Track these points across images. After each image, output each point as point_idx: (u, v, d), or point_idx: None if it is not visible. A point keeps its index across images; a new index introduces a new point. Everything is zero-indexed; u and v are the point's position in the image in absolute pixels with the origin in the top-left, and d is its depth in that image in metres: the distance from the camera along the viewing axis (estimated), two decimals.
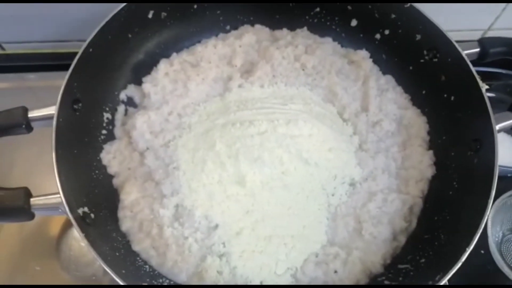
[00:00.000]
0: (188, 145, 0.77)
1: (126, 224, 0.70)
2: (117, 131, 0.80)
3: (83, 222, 0.62)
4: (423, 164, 0.79)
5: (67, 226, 0.82)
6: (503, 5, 1.03)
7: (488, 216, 0.81)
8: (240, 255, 0.68)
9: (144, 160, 0.75)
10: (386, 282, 0.69)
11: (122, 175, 0.75)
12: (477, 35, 1.07)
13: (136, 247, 0.69)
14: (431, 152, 0.80)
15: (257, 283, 0.67)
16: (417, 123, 0.83)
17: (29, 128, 0.66)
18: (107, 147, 0.77)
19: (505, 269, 0.81)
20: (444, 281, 0.60)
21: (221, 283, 0.66)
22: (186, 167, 0.74)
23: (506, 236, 0.90)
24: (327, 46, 0.89)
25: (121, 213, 0.71)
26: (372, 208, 0.73)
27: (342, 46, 0.91)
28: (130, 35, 0.82)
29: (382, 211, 0.74)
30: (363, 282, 0.69)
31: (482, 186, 0.67)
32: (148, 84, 0.83)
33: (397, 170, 0.79)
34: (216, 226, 0.70)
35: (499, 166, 0.88)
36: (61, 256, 0.80)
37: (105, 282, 0.78)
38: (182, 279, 0.67)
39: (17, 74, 0.99)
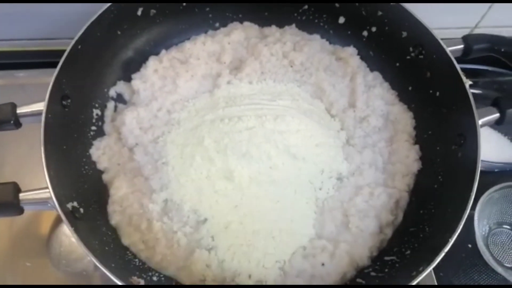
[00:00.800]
0: (177, 140, 0.77)
1: (116, 218, 0.71)
2: (107, 127, 0.81)
3: (72, 217, 0.62)
4: (409, 158, 0.80)
5: (57, 222, 0.82)
6: (489, 3, 1.05)
7: (476, 210, 0.84)
8: (228, 249, 0.69)
9: (133, 156, 0.76)
10: (373, 274, 0.70)
11: (112, 170, 0.76)
12: (464, 33, 1.08)
13: (125, 241, 0.69)
14: (417, 146, 0.81)
15: (245, 276, 0.68)
16: (404, 118, 0.84)
17: (18, 124, 0.67)
18: (96, 143, 0.78)
19: (491, 262, 0.83)
20: (427, 271, 0.61)
21: (210, 276, 0.67)
22: (175, 162, 0.75)
23: (493, 230, 0.92)
24: (315, 43, 0.89)
25: (110, 208, 0.72)
26: (359, 202, 0.75)
27: (330, 43, 0.92)
28: (119, 32, 0.82)
29: (368, 204, 0.75)
30: (350, 274, 0.70)
31: (466, 179, 0.68)
32: (137, 80, 0.83)
33: (384, 165, 0.80)
34: (205, 220, 0.71)
35: (486, 161, 0.91)
36: (52, 252, 0.80)
37: (96, 277, 0.78)
38: (171, 272, 0.68)
39: (5, 71, 0.99)
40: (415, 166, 0.80)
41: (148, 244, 0.68)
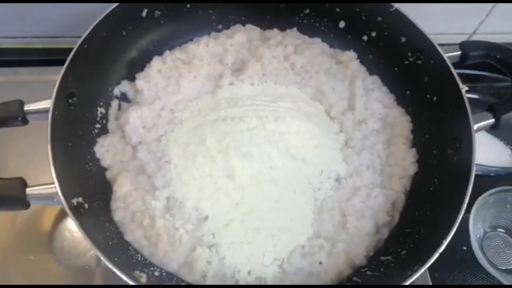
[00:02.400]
0: (179, 139, 0.79)
1: (119, 214, 0.72)
2: (111, 125, 0.82)
3: (77, 212, 0.63)
4: (406, 161, 0.82)
5: (60, 217, 0.84)
6: (486, 10, 1.07)
7: (471, 213, 0.85)
8: (228, 246, 0.70)
9: (136, 154, 0.77)
10: (369, 273, 0.71)
11: (115, 168, 0.77)
12: (462, 39, 1.10)
13: (128, 237, 0.70)
14: (414, 150, 0.83)
15: (245, 273, 0.69)
16: (401, 122, 0.85)
17: (25, 121, 0.68)
18: (100, 140, 0.79)
19: (485, 264, 0.84)
20: (422, 271, 0.62)
21: (210, 272, 0.68)
22: (177, 161, 0.76)
23: (488, 233, 0.93)
24: (316, 47, 0.91)
25: (113, 204, 0.73)
26: (356, 203, 0.76)
27: (330, 46, 0.93)
28: (124, 32, 0.84)
29: (366, 205, 0.76)
30: (346, 273, 0.72)
31: (460, 183, 0.70)
32: (141, 80, 0.85)
33: (381, 167, 0.81)
34: (206, 217, 0.72)
35: (482, 165, 0.92)
36: (55, 247, 0.81)
37: (98, 272, 0.79)
38: (173, 268, 0.69)
39: (12, 68, 1.01)
40: (412, 168, 0.81)
41: (150, 240, 0.70)
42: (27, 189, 0.61)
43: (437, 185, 0.77)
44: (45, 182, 0.62)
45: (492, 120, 0.76)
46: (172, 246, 0.69)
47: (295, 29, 0.94)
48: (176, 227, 0.70)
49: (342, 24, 0.93)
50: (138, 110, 0.80)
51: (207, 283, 0.68)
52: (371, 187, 0.78)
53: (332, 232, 0.74)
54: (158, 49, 0.89)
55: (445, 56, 0.79)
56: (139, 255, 0.69)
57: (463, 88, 0.75)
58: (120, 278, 0.59)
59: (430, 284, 0.84)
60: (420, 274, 0.62)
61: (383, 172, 0.81)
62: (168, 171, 0.74)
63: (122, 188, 0.73)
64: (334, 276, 0.71)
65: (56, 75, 0.70)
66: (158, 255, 0.69)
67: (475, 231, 0.89)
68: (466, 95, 0.75)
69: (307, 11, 0.94)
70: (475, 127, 0.73)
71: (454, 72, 0.77)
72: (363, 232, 0.74)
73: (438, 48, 0.80)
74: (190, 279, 0.69)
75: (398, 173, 0.80)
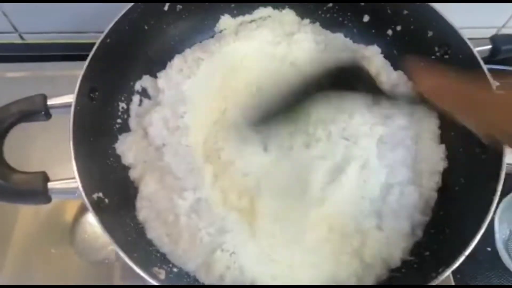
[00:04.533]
0: None
1: (144, 213, 0.71)
2: (132, 122, 0.82)
3: (97, 207, 0.63)
4: (435, 157, 0.79)
5: (81, 211, 0.85)
6: None
7: (496, 213, 0.82)
8: (250, 258, 0.69)
9: (162, 156, 0.75)
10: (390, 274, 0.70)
11: (138, 167, 0.76)
12: (490, 33, 1.06)
13: (150, 235, 0.70)
14: (443, 146, 0.80)
15: (267, 278, 0.68)
16: (428, 117, 0.82)
17: (48, 115, 0.68)
18: (122, 138, 0.79)
19: (510, 266, 0.82)
20: (447, 274, 0.60)
21: (227, 277, 0.67)
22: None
23: None
24: (338, 42, 0.89)
25: (139, 203, 0.72)
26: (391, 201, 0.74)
27: (353, 41, 0.91)
28: (146, 27, 0.84)
29: (400, 204, 0.74)
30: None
31: (489, 183, 0.67)
32: (162, 79, 0.84)
33: (413, 163, 0.78)
34: (232, 229, 0.70)
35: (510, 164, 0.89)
36: (76, 240, 0.82)
37: (117, 266, 0.80)
38: (191, 268, 0.69)
39: (36, 63, 1.02)
40: (441, 165, 0.78)
41: (172, 238, 0.69)
42: (49, 183, 0.62)
43: (463, 184, 0.74)
44: (67, 177, 0.63)
45: None
46: (193, 244, 0.68)
47: (317, 24, 0.92)
48: (199, 227, 0.69)
49: (366, 18, 0.91)
50: (161, 111, 0.79)
51: None
52: (405, 184, 0.75)
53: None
54: (179, 44, 0.89)
55: (475, 50, 0.76)
56: (158, 253, 0.69)
57: (494, 84, 0.72)
58: (139, 273, 0.59)
59: (453, 284, 0.82)
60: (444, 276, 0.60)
61: (414, 168, 0.78)
62: (201, 177, 0.74)
63: (148, 187, 0.72)
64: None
65: (78, 70, 0.70)
66: (177, 253, 0.68)
67: (500, 231, 0.86)
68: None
69: (330, 5, 0.92)
70: None
71: (485, 67, 0.74)
72: (399, 233, 0.72)
73: (468, 42, 0.77)
74: (207, 281, 0.68)
75: (428, 169, 0.77)
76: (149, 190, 0.73)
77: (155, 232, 0.70)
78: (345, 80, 0.68)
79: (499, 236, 0.84)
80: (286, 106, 0.70)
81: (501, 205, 0.84)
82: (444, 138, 0.81)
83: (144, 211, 0.72)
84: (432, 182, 0.77)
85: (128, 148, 0.78)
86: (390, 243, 0.70)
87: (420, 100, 0.64)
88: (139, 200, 0.73)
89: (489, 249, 0.87)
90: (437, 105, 0.61)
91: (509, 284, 0.86)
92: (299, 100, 0.70)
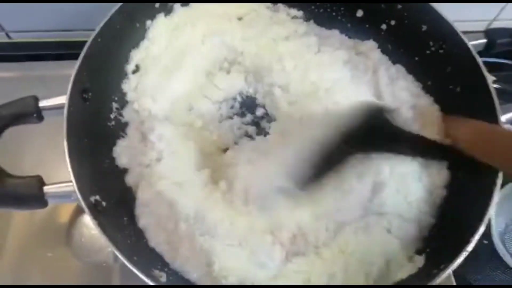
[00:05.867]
0: None
1: (143, 220, 0.70)
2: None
3: (95, 210, 0.62)
4: None
5: (77, 213, 0.83)
6: None
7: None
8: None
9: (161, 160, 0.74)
10: None
11: (135, 171, 0.74)
12: (482, 26, 1.07)
13: (151, 243, 0.69)
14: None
15: None
16: (431, 111, 0.81)
17: (40, 118, 0.67)
18: (118, 141, 0.77)
19: (507, 258, 0.83)
20: (448, 271, 0.60)
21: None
22: None
23: (510, 226, 0.92)
24: (334, 40, 0.88)
25: (138, 210, 0.71)
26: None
27: (349, 37, 0.90)
28: (138, 25, 0.82)
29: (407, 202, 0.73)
30: None
31: (487, 177, 0.67)
32: None
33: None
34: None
35: None
36: (72, 243, 0.81)
37: (116, 268, 0.79)
38: (194, 278, 0.67)
39: (24, 63, 1.00)
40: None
41: (172, 246, 0.68)
42: (45, 188, 0.60)
43: (462, 180, 0.74)
44: (62, 180, 0.61)
45: None
46: (193, 252, 0.66)
47: (311, 21, 0.91)
48: (198, 234, 0.67)
49: (360, 13, 0.90)
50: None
51: None
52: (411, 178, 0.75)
53: None
54: None
55: (470, 44, 0.76)
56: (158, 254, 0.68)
57: (490, 78, 0.72)
58: (139, 276, 0.58)
59: (452, 279, 0.83)
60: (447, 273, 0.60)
61: (421, 164, 0.76)
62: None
63: (145, 194, 0.71)
64: None
65: (69, 69, 0.68)
66: (179, 261, 0.67)
67: (497, 223, 0.87)
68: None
69: None
70: (503, 119, 0.70)
71: (480, 61, 0.74)
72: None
73: (462, 36, 0.77)
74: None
75: (435, 165, 0.76)
76: (147, 196, 0.70)
77: (156, 239, 0.68)
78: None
79: (496, 229, 0.85)
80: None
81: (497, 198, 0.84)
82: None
83: (143, 218, 0.70)
84: (439, 178, 0.75)
85: (123, 150, 0.76)
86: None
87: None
88: (138, 207, 0.71)
89: (485, 241, 0.87)
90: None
91: (504, 275, 0.87)
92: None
